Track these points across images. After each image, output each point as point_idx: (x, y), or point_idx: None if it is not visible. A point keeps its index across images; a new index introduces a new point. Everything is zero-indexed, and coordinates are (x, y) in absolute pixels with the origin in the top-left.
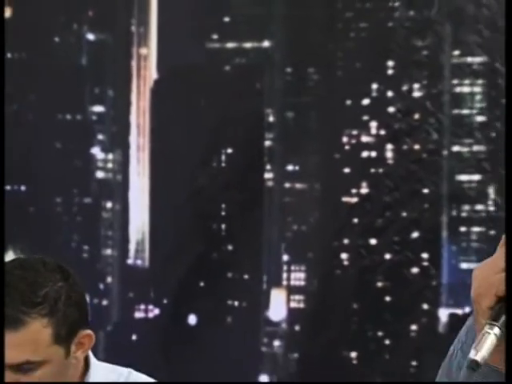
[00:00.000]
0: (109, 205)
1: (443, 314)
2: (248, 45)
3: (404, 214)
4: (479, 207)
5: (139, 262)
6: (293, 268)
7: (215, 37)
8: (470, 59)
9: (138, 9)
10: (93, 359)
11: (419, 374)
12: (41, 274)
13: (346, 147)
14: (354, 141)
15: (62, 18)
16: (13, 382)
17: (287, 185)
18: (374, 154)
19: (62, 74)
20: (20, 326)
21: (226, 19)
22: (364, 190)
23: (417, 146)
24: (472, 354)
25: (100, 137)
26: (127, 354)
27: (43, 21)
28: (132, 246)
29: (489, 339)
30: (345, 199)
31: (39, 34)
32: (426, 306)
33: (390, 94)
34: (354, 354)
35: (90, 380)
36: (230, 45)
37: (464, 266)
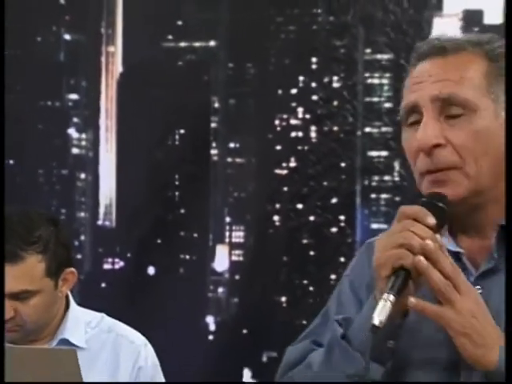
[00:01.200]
0: (82, 176)
1: None
2: (197, 44)
3: (325, 184)
4: (386, 178)
5: (107, 222)
6: (234, 228)
7: (170, 37)
8: (379, 56)
9: (106, 14)
10: (72, 300)
11: None
12: (35, 219)
13: (278, 128)
14: (284, 123)
15: (44, 21)
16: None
17: (229, 159)
18: (300, 134)
19: (43, 68)
20: (19, 260)
21: (179, 23)
22: (292, 164)
23: (335, 128)
24: (373, 320)
25: (75, 120)
26: (97, 299)
27: (28, 23)
28: (101, 210)
29: (386, 306)
30: (276, 171)
31: (25, 35)
32: (342, 259)
33: (313, 84)
34: (283, 299)
35: (69, 317)
36: (183, 44)
37: (374, 226)
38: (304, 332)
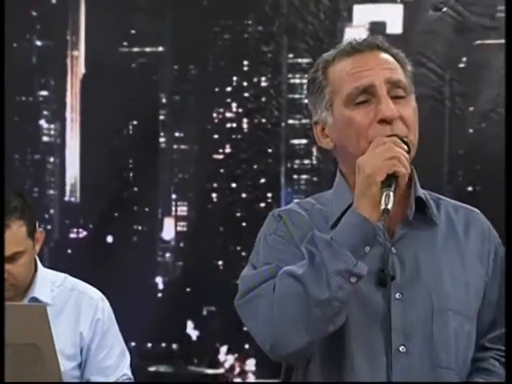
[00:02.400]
0: (51, 159)
1: None
2: (147, 49)
3: (255, 166)
4: (306, 161)
5: (73, 199)
6: (179, 203)
7: (125, 43)
8: (299, 60)
9: (71, 23)
10: (39, 263)
11: None
12: (11, 196)
13: (215, 120)
14: (220, 116)
15: (18, 30)
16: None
17: (175, 146)
18: (234, 125)
19: (18, 69)
20: (6, 228)
21: (132, 31)
22: (227, 150)
23: (263, 120)
24: (383, 206)
25: (45, 112)
26: (64, 263)
27: (6, 32)
28: (67, 188)
29: (391, 196)
30: (214, 156)
31: (3, 41)
32: None
33: (245, 83)
34: (220, 262)
35: (38, 278)
36: (135, 49)
37: (292, 204)
38: (244, 278)
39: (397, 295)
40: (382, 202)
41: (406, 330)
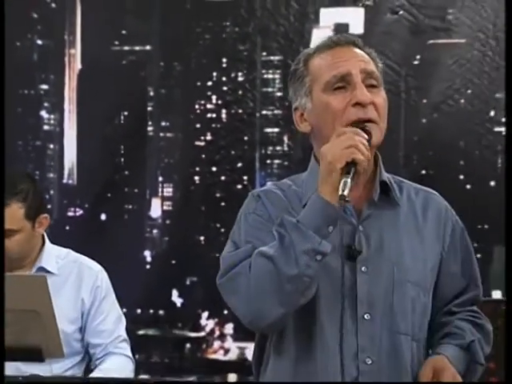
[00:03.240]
0: (51, 146)
1: None
2: (137, 48)
3: (232, 152)
4: (278, 148)
5: (70, 181)
6: (165, 185)
7: (116, 43)
8: (272, 58)
9: (68, 24)
10: (47, 239)
11: None
12: (17, 178)
13: (198, 111)
14: (202, 107)
15: (21, 30)
16: None
17: (161, 134)
18: (214, 115)
19: (21, 65)
20: (6, 206)
21: (123, 32)
22: (208, 138)
23: (240, 111)
24: (340, 192)
25: (45, 104)
26: (63, 238)
27: (9, 32)
28: (66, 172)
29: (348, 183)
30: (196, 143)
31: (7, 40)
32: None
33: (224, 78)
34: (202, 238)
35: (45, 251)
36: (126, 48)
37: (269, 184)
38: (223, 253)
39: (362, 268)
40: (340, 188)
41: (371, 299)
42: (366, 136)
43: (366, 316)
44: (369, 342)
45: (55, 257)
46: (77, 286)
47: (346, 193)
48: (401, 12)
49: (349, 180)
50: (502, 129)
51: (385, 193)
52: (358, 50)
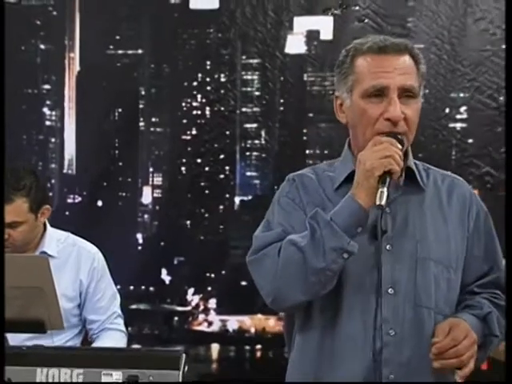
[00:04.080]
0: (53, 140)
1: (237, 199)
2: (130, 51)
3: (215, 145)
4: (256, 142)
5: (70, 171)
6: (155, 175)
7: (111, 47)
8: (251, 61)
9: (68, 30)
10: (48, 225)
11: (227, 233)
12: (21, 173)
13: (184, 108)
14: (188, 105)
15: (25, 35)
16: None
17: (152, 129)
18: (199, 112)
19: (26, 67)
20: (11, 201)
21: (117, 37)
22: (194, 132)
23: (222, 108)
24: (378, 202)
25: (47, 102)
26: (64, 223)
27: (15, 37)
28: (66, 163)
29: (384, 193)
30: (183, 137)
31: (13, 44)
32: (227, 195)
33: (208, 79)
34: (188, 222)
35: (46, 236)
36: (120, 51)
37: (248, 174)
38: (257, 232)
39: (387, 247)
40: (378, 198)
41: (394, 275)
42: (400, 146)
43: (389, 290)
44: (392, 315)
45: (56, 240)
46: (76, 268)
47: (383, 203)
48: (366, 20)
49: (385, 190)
50: (457, 125)
51: (411, 178)
52: (403, 60)
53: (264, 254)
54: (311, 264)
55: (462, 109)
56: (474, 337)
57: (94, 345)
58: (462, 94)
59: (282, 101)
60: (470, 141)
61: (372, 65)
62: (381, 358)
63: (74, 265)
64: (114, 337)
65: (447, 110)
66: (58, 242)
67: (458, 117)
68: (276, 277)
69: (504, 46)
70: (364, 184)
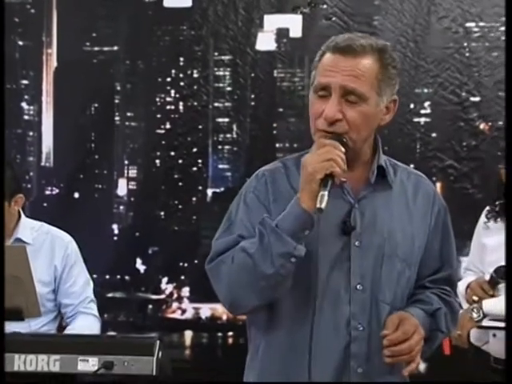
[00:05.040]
0: (31, 133)
1: (209, 191)
2: (106, 48)
3: (189, 139)
4: (228, 135)
5: (47, 164)
6: (130, 167)
7: (88, 44)
8: (223, 57)
9: (46, 27)
10: (22, 214)
11: (199, 224)
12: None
13: (158, 103)
14: (162, 100)
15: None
16: None
17: (127, 123)
18: (173, 107)
19: (5, 63)
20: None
21: (94, 34)
22: (168, 126)
23: (195, 103)
24: (318, 205)
25: (26, 97)
26: (41, 214)
27: None
28: (43, 156)
29: (325, 197)
30: (157, 131)
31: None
32: (200, 188)
33: (181, 75)
34: (162, 213)
35: (21, 224)
36: (96, 48)
37: (220, 166)
38: (217, 234)
39: (356, 243)
40: (318, 201)
41: (362, 271)
42: (343, 149)
43: (358, 286)
44: (360, 310)
45: (30, 229)
46: (50, 255)
47: (323, 206)
48: (333, 18)
49: (326, 193)
50: (421, 119)
51: (381, 175)
52: (357, 62)
53: (221, 261)
54: (260, 270)
55: (426, 104)
56: (422, 332)
57: (69, 327)
58: (425, 90)
59: (252, 96)
60: (434, 135)
61: (325, 63)
62: (349, 352)
63: (49, 251)
64: (87, 320)
65: (412, 105)
66: (32, 230)
67: (422, 112)
68: (230, 284)
69: (466, 44)
70: (307, 188)
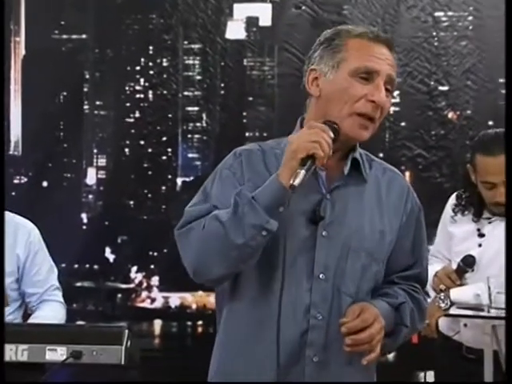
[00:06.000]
0: None
1: (179, 180)
2: (74, 36)
3: (158, 128)
4: (198, 124)
5: (16, 153)
6: (99, 156)
7: (56, 32)
8: (192, 46)
9: (14, 16)
10: None
11: (169, 213)
12: None
13: (128, 92)
14: (131, 89)
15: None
16: None
17: (96, 112)
18: (142, 95)
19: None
20: None
21: (62, 22)
22: (137, 115)
23: (165, 92)
24: (291, 181)
25: None
26: (9, 203)
27: None
28: (12, 144)
29: (300, 174)
30: (127, 120)
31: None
32: (170, 176)
33: (150, 64)
34: (131, 202)
35: None
36: (64, 36)
37: (190, 155)
38: (191, 204)
39: (323, 233)
40: (292, 177)
41: (326, 262)
42: (331, 135)
43: (321, 276)
44: (320, 299)
45: None
46: (12, 243)
47: (296, 183)
48: (303, 7)
49: (302, 171)
50: (390, 108)
51: (356, 168)
52: (390, 53)
53: (190, 228)
54: (231, 239)
55: (395, 93)
56: (382, 322)
57: (34, 315)
58: None
59: (222, 85)
60: (403, 124)
61: (366, 48)
62: (306, 339)
63: (11, 240)
64: (52, 307)
65: None
66: None
67: (391, 101)
68: (198, 250)
69: (435, 33)
70: (287, 164)
